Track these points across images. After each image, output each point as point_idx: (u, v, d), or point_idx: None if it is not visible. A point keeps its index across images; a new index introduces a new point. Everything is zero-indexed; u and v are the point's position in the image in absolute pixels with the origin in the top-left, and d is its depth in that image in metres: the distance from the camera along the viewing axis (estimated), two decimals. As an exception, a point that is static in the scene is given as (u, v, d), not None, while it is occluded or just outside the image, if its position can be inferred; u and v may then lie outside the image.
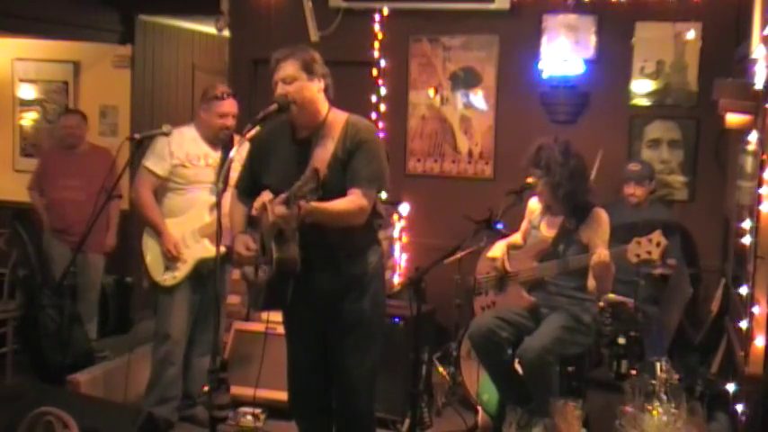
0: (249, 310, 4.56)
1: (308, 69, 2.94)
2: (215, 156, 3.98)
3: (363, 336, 3.07)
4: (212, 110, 3.94)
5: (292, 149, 3.01)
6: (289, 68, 2.92)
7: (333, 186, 2.82)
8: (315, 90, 2.95)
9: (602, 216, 3.65)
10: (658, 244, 3.31)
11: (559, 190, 3.62)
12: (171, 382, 3.99)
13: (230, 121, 3.96)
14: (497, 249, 3.92)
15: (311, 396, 3.23)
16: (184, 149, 3.92)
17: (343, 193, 2.88)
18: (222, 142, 3.98)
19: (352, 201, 2.87)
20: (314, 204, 2.72)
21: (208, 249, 3.91)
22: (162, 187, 3.96)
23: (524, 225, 3.93)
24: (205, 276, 3.98)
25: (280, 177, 2.97)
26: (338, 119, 2.99)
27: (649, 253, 3.32)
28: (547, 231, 3.74)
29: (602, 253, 3.43)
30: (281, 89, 2.91)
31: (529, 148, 3.75)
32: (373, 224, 3.06)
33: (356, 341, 3.07)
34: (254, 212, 3.07)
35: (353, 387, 3.12)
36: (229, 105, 3.95)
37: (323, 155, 2.90)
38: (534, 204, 3.87)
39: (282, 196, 2.70)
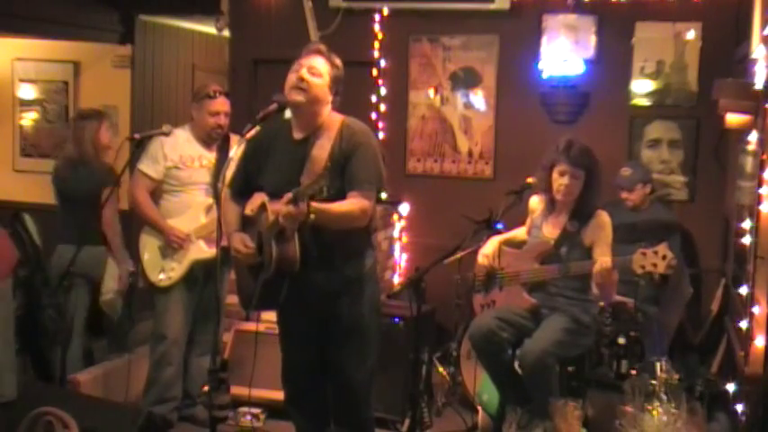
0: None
1: (335, 81, 2.99)
2: (209, 157, 3.98)
3: (362, 340, 3.08)
4: (204, 108, 3.93)
5: (289, 151, 3.00)
6: (324, 66, 2.95)
7: (331, 187, 2.83)
8: (328, 98, 2.99)
9: (605, 219, 3.64)
10: (664, 257, 3.31)
11: (591, 193, 3.63)
12: (169, 383, 3.98)
13: (222, 120, 3.94)
14: (489, 246, 3.91)
15: (308, 396, 3.23)
16: (178, 151, 3.92)
17: (340, 194, 2.88)
18: (215, 142, 3.98)
19: (354, 203, 2.88)
20: (320, 204, 2.73)
21: (203, 251, 3.92)
22: (157, 189, 3.96)
23: (528, 222, 3.92)
24: (200, 277, 3.98)
25: (276, 178, 2.97)
26: (334, 121, 3.00)
27: (655, 266, 3.32)
28: (549, 232, 3.73)
29: (603, 261, 3.44)
30: (304, 73, 2.91)
31: (555, 144, 3.68)
32: (369, 227, 3.07)
33: (355, 345, 3.07)
34: (248, 212, 3.07)
35: (353, 390, 3.13)
36: (221, 104, 3.93)
37: (320, 156, 2.91)
38: (535, 203, 3.86)
39: (289, 195, 2.69)
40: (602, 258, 3.46)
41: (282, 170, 2.98)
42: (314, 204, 2.70)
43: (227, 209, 3.14)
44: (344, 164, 2.92)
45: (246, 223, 3.10)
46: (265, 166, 3.06)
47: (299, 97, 2.91)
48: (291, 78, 2.93)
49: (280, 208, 2.74)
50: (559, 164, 3.61)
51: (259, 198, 3.02)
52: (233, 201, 3.16)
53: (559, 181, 3.61)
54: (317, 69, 2.93)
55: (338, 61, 3.01)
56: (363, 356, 3.09)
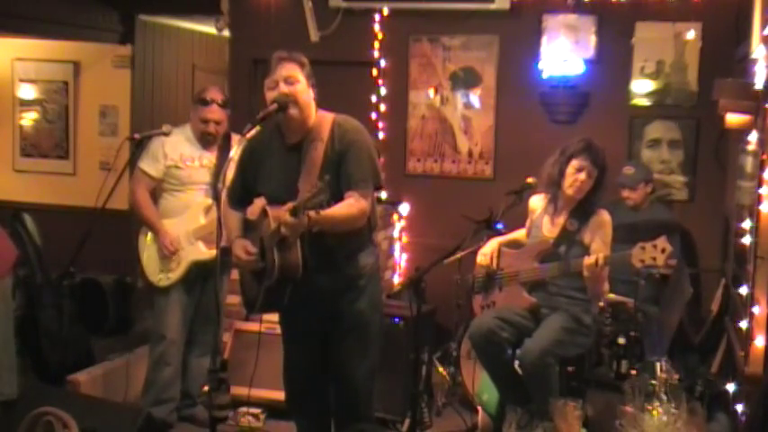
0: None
1: (307, 75, 2.98)
2: (209, 156, 3.98)
3: (363, 338, 3.08)
4: (197, 113, 3.93)
5: (285, 156, 3.00)
6: (292, 69, 2.93)
7: (331, 200, 2.82)
8: (310, 95, 2.99)
9: (605, 217, 3.64)
10: (663, 250, 3.29)
11: (597, 194, 3.64)
12: (167, 383, 3.98)
13: (212, 128, 3.93)
14: (488, 246, 3.91)
15: (310, 396, 3.23)
16: (178, 151, 3.92)
17: (337, 194, 2.88)
18: (211, 144, 3.98)
19: (352, 204, 2.88)
20: (320, 214, 2.73)
21: (201, 251, 3.92)
22: (157, 188, 3.97)
23: (528, 222, 3.92)
24: (199, 278, 3.98)
25: (275, 185, 2.98)
26: (325, 120, 3.00)
27: (654, 259, 3.31)
28: (548, 231, 3.73)
29: (595, 257, 3.43)
30: (283, 88, 2.91)
31: (569, 143, 3.70)
32: (369, 224, 3.07)
33: (356, 343, 3.07)
34: (250, 216, 3.07)
35: (354, 388, 3.13)
36: (212, 112, 3.91)
37: (314, 159, 2.91)
38: (535, 203, 3.86)
39: (289, 205, 2.69)
40: (591, 257, 3.46)
41: (279, 177, 2.98)
42: (314, 215, 2.71)
43: (228, 216, 3.14)
44: (339, 163, 2.92)
45: (248, 227, 3.10)
46: (262, 173, 3.06)
47: (293, 112, 2.91)
48: (272, 97, 2.90)
49: (280, 216, 2.74)
50: (579, 159, 3.60)
51: (260, 203, 3.02)
52: (232, 208, 3.17)
53: (576, 176, 3.61)
54: (291, 77, 2.92)
55: (302, 58, 3.00)
56: (365, 354, 3.09)
